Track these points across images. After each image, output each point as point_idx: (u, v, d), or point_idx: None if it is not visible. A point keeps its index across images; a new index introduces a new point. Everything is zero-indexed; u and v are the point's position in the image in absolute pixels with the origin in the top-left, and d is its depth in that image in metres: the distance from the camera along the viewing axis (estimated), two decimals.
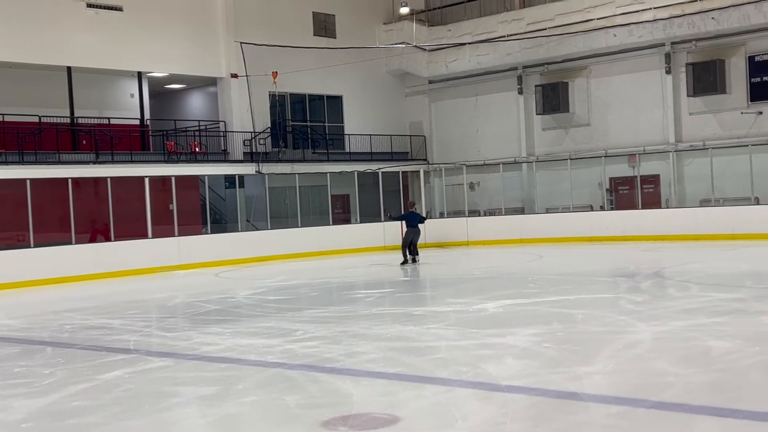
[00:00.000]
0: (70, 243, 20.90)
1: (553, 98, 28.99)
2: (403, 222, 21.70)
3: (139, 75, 27.53)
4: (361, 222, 28.21)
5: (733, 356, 7.75)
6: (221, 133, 28.20)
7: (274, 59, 28.56)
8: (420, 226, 21.43)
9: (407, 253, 21.18)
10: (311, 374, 7.91)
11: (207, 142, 27.93)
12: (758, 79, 25.36)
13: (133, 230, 22.64)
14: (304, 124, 30.90)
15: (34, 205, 20.17)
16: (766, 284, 13.28)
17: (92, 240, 22.41)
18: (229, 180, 27.28)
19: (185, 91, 31.49)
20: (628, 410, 6.18)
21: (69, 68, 25.41)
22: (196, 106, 31.45)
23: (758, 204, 23.99)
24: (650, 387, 6.80)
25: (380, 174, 28.34)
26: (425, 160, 32.74)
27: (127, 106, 27.60)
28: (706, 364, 7.55)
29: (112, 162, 24.18)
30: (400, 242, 27.25)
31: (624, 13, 27.12)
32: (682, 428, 5.69)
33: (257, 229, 25.88)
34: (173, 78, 29.16)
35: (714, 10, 25.22)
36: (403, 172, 30.47)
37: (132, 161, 24.72)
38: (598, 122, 28.79)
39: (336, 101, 31.82)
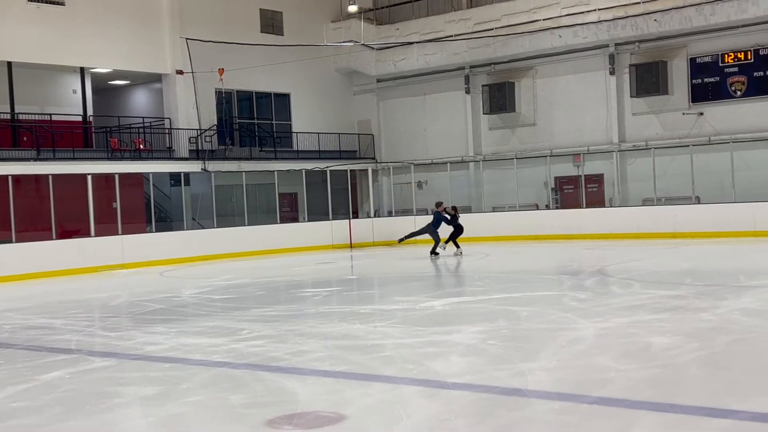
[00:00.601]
0: (10, 242, 20.46)
1: (500, 98, 29.25)
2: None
3: (82, 71, 27.02)
4: (309, 221, 28.13)
5: (673, 352, 7.91)
6: (166, 131, 27.86)
7: (221, 56, 28.32)
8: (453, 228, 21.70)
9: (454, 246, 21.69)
10: (257, 373, 7.86)
11: (151, 139, 27.58)
12: (699, 81, 25.93)
13: (75, 228, 22.23)
14: (251, 122, 30.69)
15: None
16: (706, 282, 13.58)
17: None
18: (175, 178, 26.96)
19: (129, 87, 31.04)
20: (570, 406, 6.26)
21: (9, 63, 24.88)
22: (140, 102, 31.01)
23: (699, 203, 24.54)
24: (592, 383, 6.91)
25: (328, 172, 28.28)
26: (373, 158, 32.78)
27: (70, 102, 27.06)
28: (647, 359, 7.68)
29: (54, 159, 23.71)
30: (347, 241, 27.40)
31: (569, 14, 27.48)
32: (623, 423, 5.78)
33: (203, 228, 25.63)
34: (117, 74, 28.71)
35: (656, 12, 25.71)
36: (351, 170, 30.48)
37: (74, 158, 24.27)
38: (543, 122, 29.14)
39: (284, 99, 31.67)
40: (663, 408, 6.05)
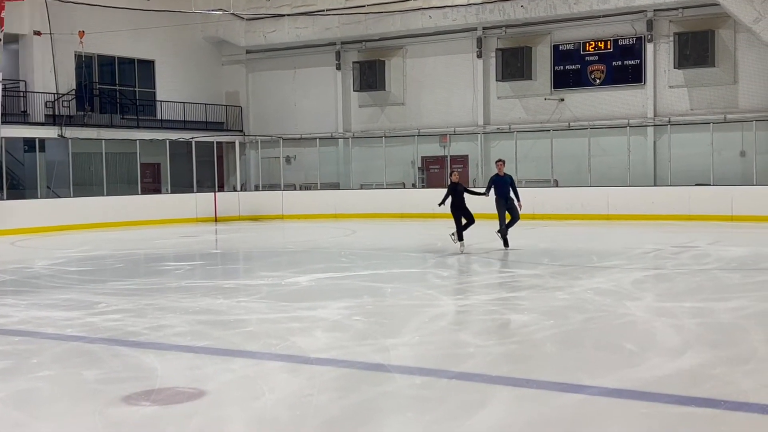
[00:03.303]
0: None
1: (370, 76, 29.34)
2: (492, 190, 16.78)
3: None
4: (172, 192, 27.42)
5: (530, 329, 8.18)
6: (21, 94, 26.45)
7: (82, 18, 27.06)
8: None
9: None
10: (113, 348, 7.61)
11: (5, 102, 26.05)
12: (561, 68, 26.82)
13: None
14: (112, 88, 29.54)
15: None
16: (562, 262, 14.11)
17: None
18: (29, 143, 25.70)
19: None
20: (431, 380, 6.37)
21: None
22: None
23: (557, 186, 25.46)
24: (453, 358, 7.05)
25: (193, 143, 27.62)
26: (241, 131, 32.25)
27: None
28: (505, 336, 7.92)
29: None
30: (212, 214, 26.88)
31: None
32: (481, 397, 5.92)
33: (59, 197, 24.57)
34: None
35: None
36: (217, 142, 29.86)
37: None
38: (412, 102, 29.44)
39: (147, 66, 30.63)
40: (519, 383, 6.25)
